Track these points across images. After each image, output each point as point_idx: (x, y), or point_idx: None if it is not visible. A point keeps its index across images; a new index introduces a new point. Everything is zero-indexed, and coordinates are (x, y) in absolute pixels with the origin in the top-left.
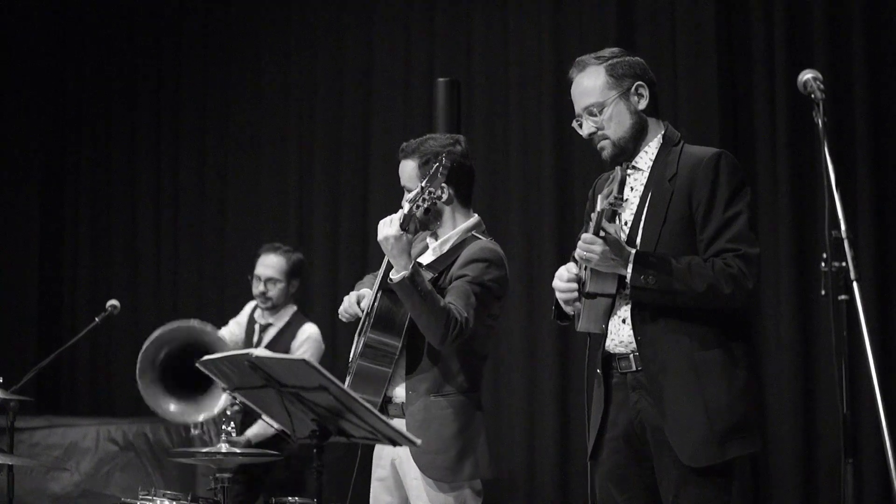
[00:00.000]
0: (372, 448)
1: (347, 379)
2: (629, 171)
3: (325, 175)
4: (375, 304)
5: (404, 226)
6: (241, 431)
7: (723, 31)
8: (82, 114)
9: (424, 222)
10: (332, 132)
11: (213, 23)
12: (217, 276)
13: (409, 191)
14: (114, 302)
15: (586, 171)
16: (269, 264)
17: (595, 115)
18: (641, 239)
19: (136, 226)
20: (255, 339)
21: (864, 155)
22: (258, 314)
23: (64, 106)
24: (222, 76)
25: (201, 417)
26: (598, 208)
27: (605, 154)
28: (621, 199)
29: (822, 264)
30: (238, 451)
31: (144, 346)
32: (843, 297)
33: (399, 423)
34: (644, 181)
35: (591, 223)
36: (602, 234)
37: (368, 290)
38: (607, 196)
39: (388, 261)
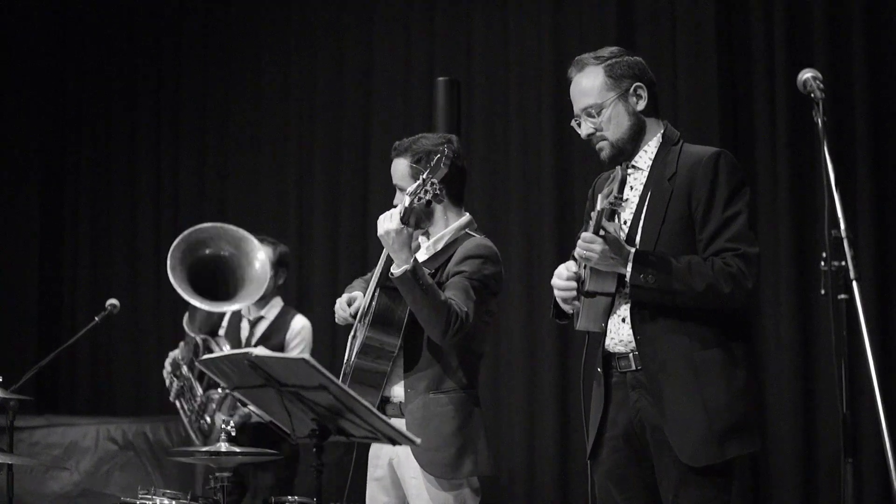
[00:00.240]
0: (367, 447)
1: (345, 379)
2: (629, 171)
3: (325, 175)
4: (373, 303)
5: (405, 219)
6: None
7: (723, 30)
8: (82, 114)
9: (426, 215)
10: (332, 132)
11: (213, 23)
12: None
13: (402, 189)
14: (114, 301)
15: (586, 171)
16: None
17: (593, 117)
18: (641, 238)
19: (136, 226)
20: (246, 333)
21: (864, 154)
22: (244, 308)
23: (64, 106)
24: (222, 76)
25: (227, 309)
26: (598, 207)
27: (604, 155)
28: (621, 198)
29: (822, 264)
30: (238, 450)
31: (173, 246)
32: (842, 296)
33: (398, 423)
34: (644, 180)
35: (590, 222)
36: (602, 233)
37: (359, 293)
38: (607, 195)
39: (386, 259)
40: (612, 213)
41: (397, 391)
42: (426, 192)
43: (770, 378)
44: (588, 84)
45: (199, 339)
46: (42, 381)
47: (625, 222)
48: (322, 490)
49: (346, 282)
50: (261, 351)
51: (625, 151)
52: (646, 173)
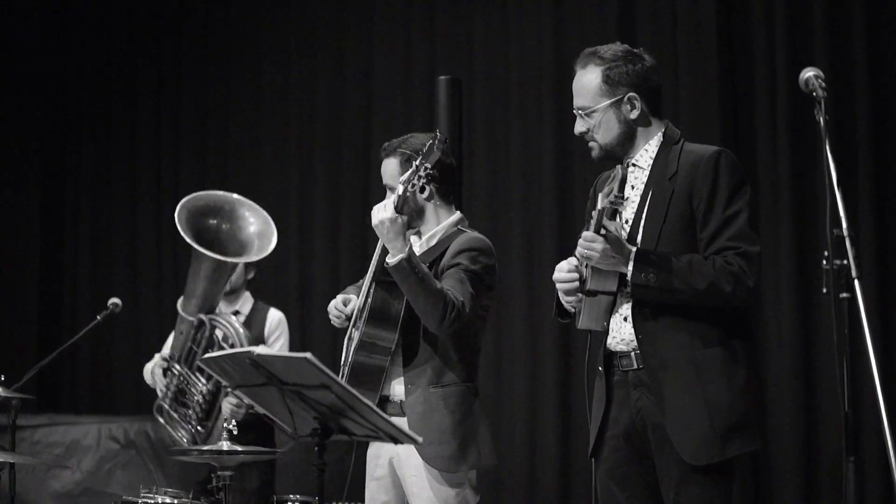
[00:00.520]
0: (366, 447)
1: (343, 378)
2: (630, 170)
3: (325, 175)
4: (369, 299)
5: (399, 208)
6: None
7: (723, 30)
8: (82, 114)
9: (417, 213)
10: (332, 132)
11: (213, 23)
12: None
13: (392, 189)
14: (115, 300)
15: (587, 170)
16: None
17: (585, 117)
18: (642, 237)
19: (136, 225)
20: None
21: (865, 153)
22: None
23: (64, 106)
24: (222, 76)
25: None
26: (599, 206)
27: (593, 154)
28: (622, 197)
29: (824, 262)
30: (240, 448)
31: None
32: (844, 294)
33: (400, 422)
34: (645, 179)
35: (591, 221)
36: (603, 232)
37: (354, 296)
38: (608, 194)
39: (380, 254)
40: (613, 212)
41: (397, 389)
42: (419, 178)
43: (771, 376)
44: (585, 84)
45: (202, 316)
46: (43, 379)
47: (626, 221)
48: (324, 489)
49: (346, 282)
50: (262, 349)
51: (613, 155)
52: (647, 172)
